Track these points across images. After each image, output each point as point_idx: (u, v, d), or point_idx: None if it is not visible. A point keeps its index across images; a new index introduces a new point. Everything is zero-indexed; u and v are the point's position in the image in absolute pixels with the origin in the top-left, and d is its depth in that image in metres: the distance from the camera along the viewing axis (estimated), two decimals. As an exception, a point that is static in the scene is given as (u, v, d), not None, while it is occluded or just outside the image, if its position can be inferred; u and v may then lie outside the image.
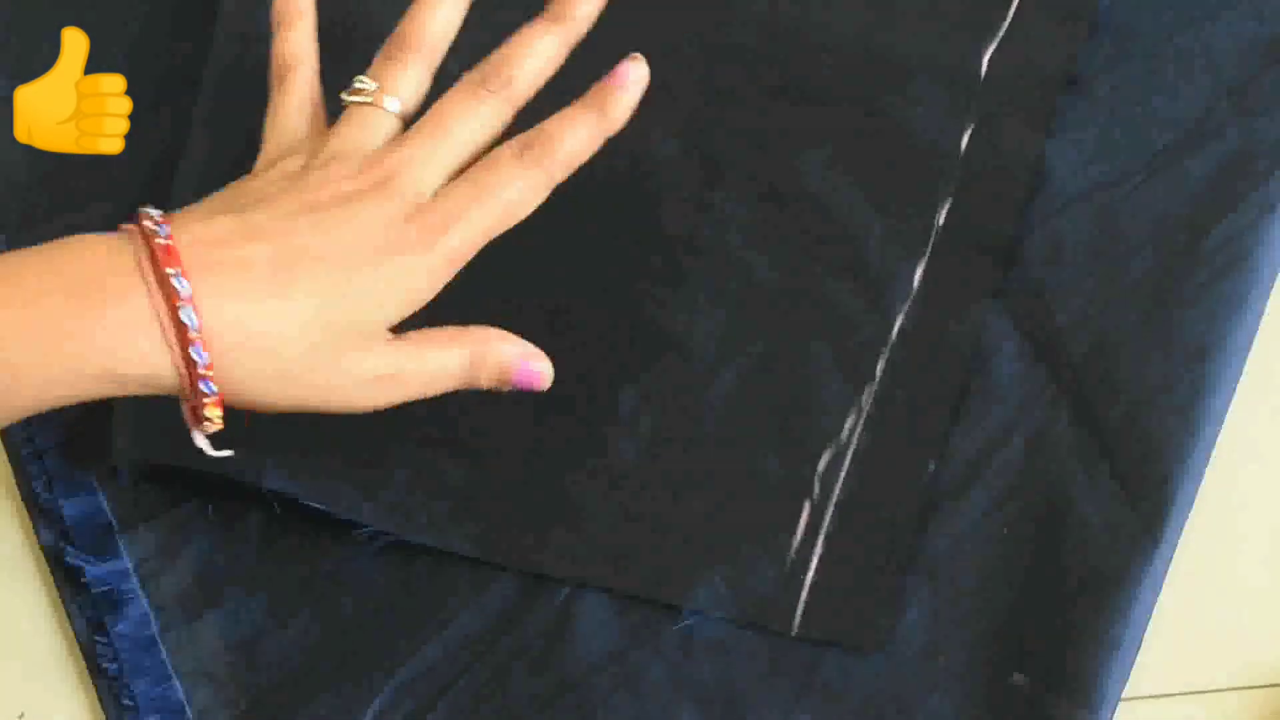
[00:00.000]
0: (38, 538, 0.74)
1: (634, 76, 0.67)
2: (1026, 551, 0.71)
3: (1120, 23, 0.75)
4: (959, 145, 0.74)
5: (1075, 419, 0.72)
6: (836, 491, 0.71)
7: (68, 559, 0.73)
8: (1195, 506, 0.71)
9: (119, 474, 0.73)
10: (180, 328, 0.60)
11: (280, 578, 0.73)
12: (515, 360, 0.66)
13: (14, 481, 0.75)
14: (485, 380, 0.66)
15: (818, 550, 0.71)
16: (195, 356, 0.61)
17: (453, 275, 0.64)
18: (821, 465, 0.72)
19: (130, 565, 0.74)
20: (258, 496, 0.72)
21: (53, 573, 0.74)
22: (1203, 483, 0.71)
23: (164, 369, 0.61)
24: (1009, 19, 0.74)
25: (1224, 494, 0.72)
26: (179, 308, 0.60)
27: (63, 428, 0.74)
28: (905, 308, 0.73)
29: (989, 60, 0.74)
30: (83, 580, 0.73)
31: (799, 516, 0.71)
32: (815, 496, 0.71)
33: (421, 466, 0.72)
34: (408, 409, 0.72)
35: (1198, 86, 0.74)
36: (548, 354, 0.72)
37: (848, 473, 0.72)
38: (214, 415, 0.63)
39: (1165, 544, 0.70)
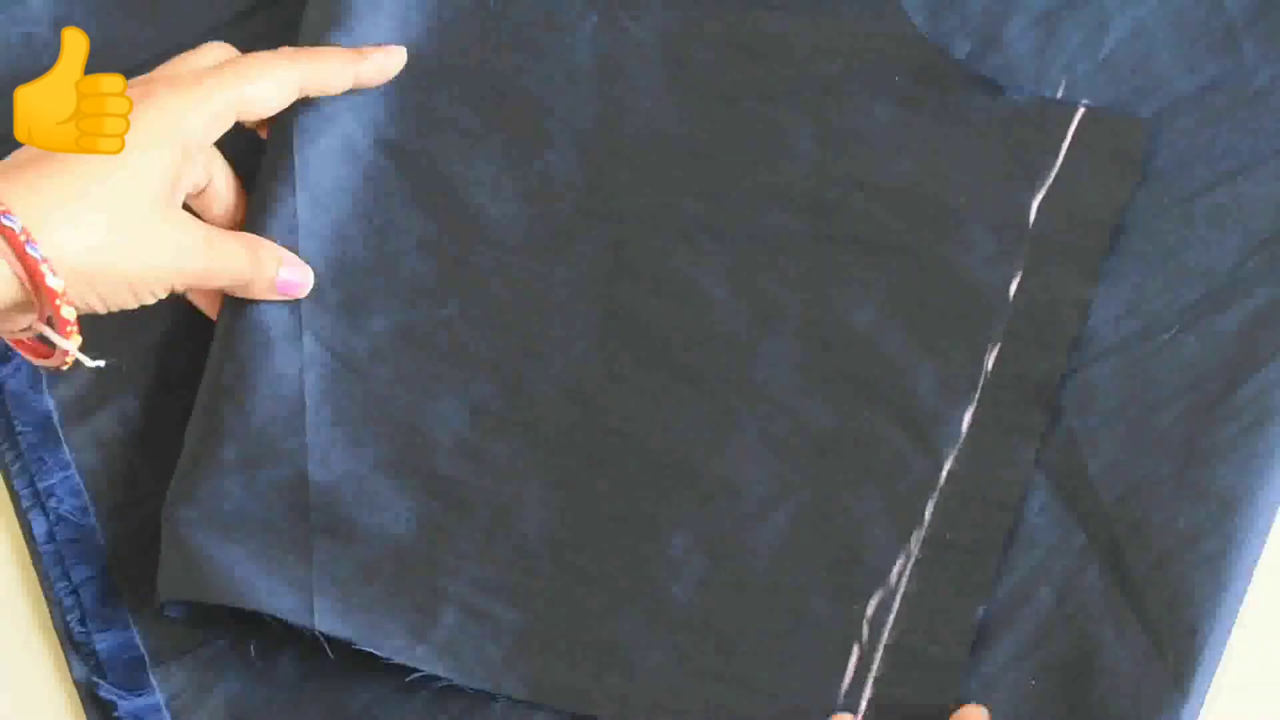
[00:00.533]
0: (71, 672, 0.73)
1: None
2: (1053, 700, 0.70)
3: (1154, 177, 0.76)
4: (1008, 291, 0.74)
5: (1104, 568, 0.71)
6: (885, 635, 0.71)
7: (100, 693, 0.73)
8: (1224, 657, 0.71)
9: (162, 607, 0.72)
10: (7, 231, 0.64)
11: (312, 716, 0.72)
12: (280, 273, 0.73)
13: (48, 616, 0.74)
14: (259, 289, 0.72)
15: (866, 693, 0.70)
16: (32, 254, 0.64)
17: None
18: (870, 608, 0.71)
19: (162, 700, 0.73)
20: (290, 634, 0.71)
21: (85, 708, 0.73)
22: (1231, 634, 0.71)
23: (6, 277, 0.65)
24: (1058, 167, 0.75)
25: (1253, 646, 0.72)
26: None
27: (98, 562, 0.74)
28: (954, 452, 0.73)
29: (1037, 207, 0.75)
30: (115, 715, 0.72)
31: (848, 659, 0.71)
32: (864, 640, 0.71)
33: (473, 609, 0.72)
34: (457, 553, 0.71)
35: (1229, 241, 0.75)
36: (597, 496, 0.72)
37: (896, 616, 0.71)
38: (69, 314, 0.66)
39: (1193, 695, 0.70)
